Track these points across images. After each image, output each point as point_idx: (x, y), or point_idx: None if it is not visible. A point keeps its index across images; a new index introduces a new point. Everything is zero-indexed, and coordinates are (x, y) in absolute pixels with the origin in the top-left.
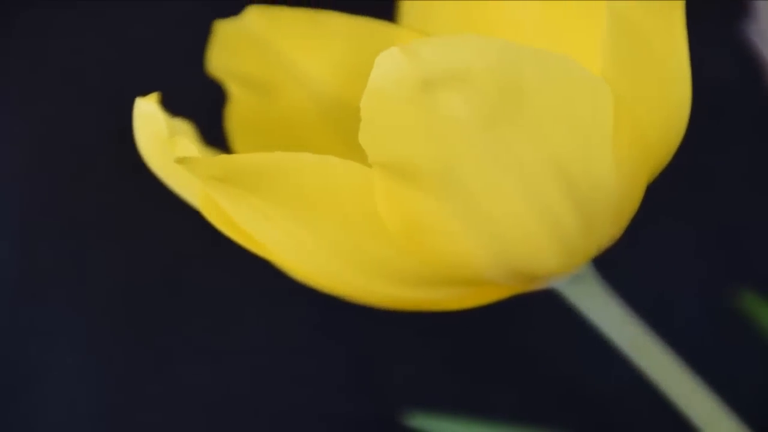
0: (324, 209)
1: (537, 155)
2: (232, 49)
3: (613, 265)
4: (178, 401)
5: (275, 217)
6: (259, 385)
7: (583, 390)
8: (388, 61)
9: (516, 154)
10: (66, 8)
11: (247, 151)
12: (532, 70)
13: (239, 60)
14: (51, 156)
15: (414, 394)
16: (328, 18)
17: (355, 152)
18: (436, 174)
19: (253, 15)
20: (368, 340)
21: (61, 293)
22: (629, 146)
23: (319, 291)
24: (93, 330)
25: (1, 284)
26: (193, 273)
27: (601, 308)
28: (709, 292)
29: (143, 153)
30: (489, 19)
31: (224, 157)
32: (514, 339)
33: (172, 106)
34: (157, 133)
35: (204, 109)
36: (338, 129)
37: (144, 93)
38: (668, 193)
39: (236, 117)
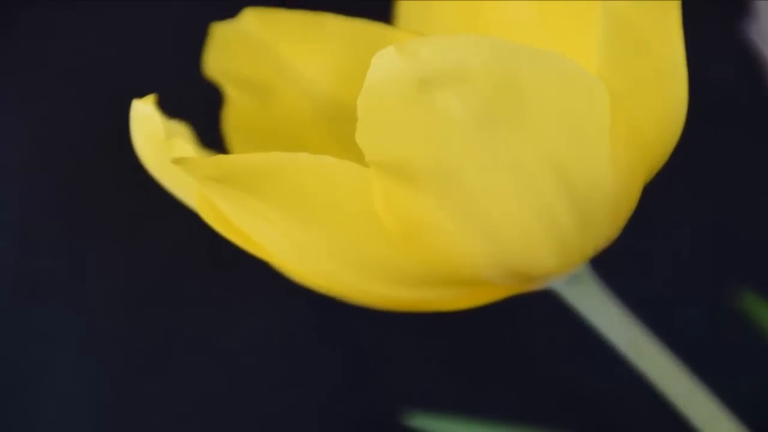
0: (321, 209)
1: (534, 154)
2: (229, 51)
3: (614, 265)
4: (177, 401)
5: (272, 218)
6: (259, 385)
7: (583, 390)
8: (385, 61)
9: (513, 153)
10: (66, 8)
11: (244, 153)
12: (529, 69)
13: (236, 62)
14: (51, 156)
15: (413, 394)
16: (324, 20)
17: (352, 154)
18: (432, 173)
19: (249, 17)
20: (368, 340)
21: (61, 293)
22: (626, 145)
23: (317, 291)
24: (93, 330)
25: (1, 284)
26: (193, 273)
27: (598, 308)
28: (709, 292)
29: (140, 154)
30: (485, 20)
31: (221, 157)
32: (514, 339)
33: (172, 106)
34: (153, 134)
35: (204, 109)
36: (335, 131)
37: (144, 93)
38: (668, 193)
39: (233, 119)
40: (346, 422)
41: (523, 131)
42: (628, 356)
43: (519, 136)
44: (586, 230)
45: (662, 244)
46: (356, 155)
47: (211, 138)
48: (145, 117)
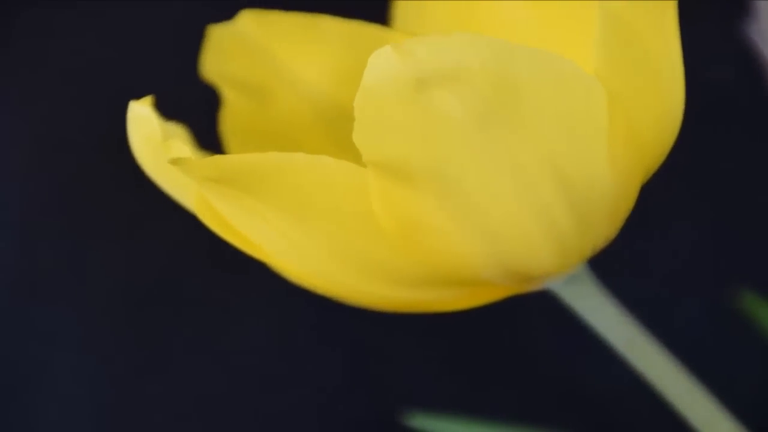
0: (319, 209)
1: (532, 154)
2: (226, 53)
3: (617, 265)
4: (177, 401)
5: (270, 218)
6: (258, 385)
7: (583, 390)
8: (382, 60)
9: (511, 153)
10: (66, 8)
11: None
12: (527, 69)
13: (233, 64)
14: (51, 156)
15: (413, 394)
16: (321, 22)
17: (350, 155)
18: (430, 173)
19: (246, 19)
20: (368, 340)
21: (61, 293)
22: (624, 145)
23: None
24: (93, 330)
25: (1, 284)
26: (193, 273)
27: (596, 309)
28: (709, 292)
29: (137, 156)
30: (482, 20)
31: (218, 157)
32: (514, 339)
33: (172, 106)
34: (151, 135)
35: (204, 109)
36: (332, 132)
37: (143, 93)
38: (668, 193)
39: (230, 121)
40: (346, 422)
41: (521, 131)
42: (626, 356)
43: (517, 136)
44: (584, 230)
45: (662, 244)
46: (354, 157)
47: (212, 138)
48: (142, 118)
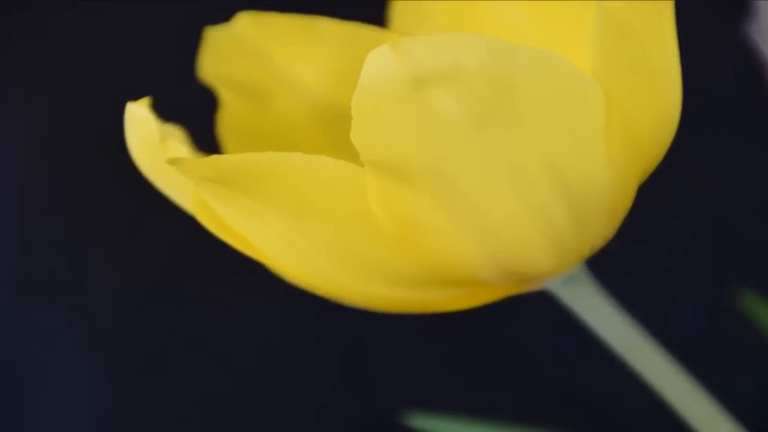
0: (316, 209)
1: (529, 154)
2: (223, 55)
3: (613, 265)
4: (177, 401)
5: (268, 218)
6: (258, 385)
7: (583, 390)
8: (379, 59)
9: (508, 152)
10: (66, 8)
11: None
12: (524, 68)
13: (230, 66)
14: (51, 156)
15: (413, 394)
16: (318, 23)
17: (347, 158)
18: (428, 172)
19: (243, 21)
20: (368, 340)
21: (61, 293)
22: (621, 145)
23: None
24: (93, 330)
25: (1, 284)
26: (193, 273)
27: (594, 309)
28: (708, 292)
29: (135, 157)
30: (480, 20)
31: (216, 157)
32: (514, 339)
33: (172, 106)
34: (148, 136)
35: (204, 109)
36: (330, 134)
37: (143, 94)
38: (668, 193)
39: (228, 123)
40: (346, 422)
41: (518, 130)
42: (624, 357)
43: (514, 135)
44: (581, 230)
45: (662, 243)
46: (351, 159)
47: (210, 138)
48: (139, 119)
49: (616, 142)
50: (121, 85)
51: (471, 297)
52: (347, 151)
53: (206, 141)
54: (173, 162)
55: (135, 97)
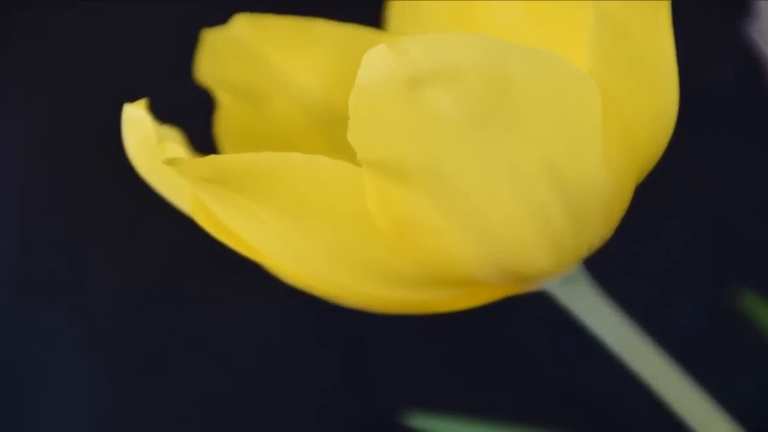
0: (314, 209)
1: (526, 153)
2: (220, 57)
3: (613, 266)
4: (177, 401)
5: (265, 219)
6: (258, 386)
7: (583, 390)
8: (376, 59)
9: (505, 152)
10: (66, 8)
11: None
12: (521, 67)
13: (227, 68)
14: (51, 156)
15: (413, 394)
16: (315, 25)
17: (344, 159)
18: (425, 172)
19: (240, 23)
20: (368, 340)
21: (61, 293)
22: (618, 145)
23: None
24: (93, 330)
25: (1, 284)
26: (193, 273)
27: (592, 309)
28: (708, 292)
29: (132, 158)
30: (477, 20)
31: (213, 157)
32: (514, 339)
33: (171, 106)
34: (145, 137)
35: (204, 110)
36: (327, 135)
37: (143, 94)
38: (668, 193)
39: (225, 125)
40: (346, 422)
41: (515, 130)
42: (622, 357)
43: (511, 134)
44: (579, 230)
45: (661, 244)
46: (348, 161)
47: (210, 138)
48: (136, 120)
49: (614, 141)
50: (121, 85)
51: (469, 297)
52: (344, 153)
53: (205, 142)
54: (170, 162)
55: (135, 98)
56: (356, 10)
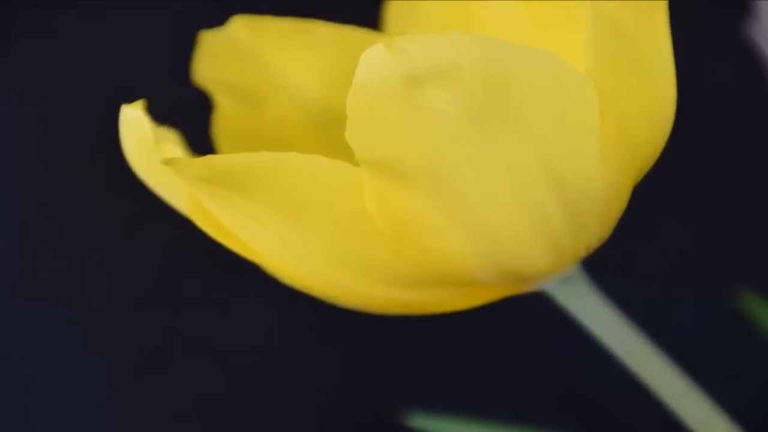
0: (312, 209)
1: (524, 152)
2: (218, 59)
3: (613, 266)
4: (177, 401)
5: (263, 219)
6: (258, 386)
7: (583, 390)
8: (374, 58)
9: (503, 151)
10: (66, 8)
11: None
12: (518, 67)
13: (225, 70)
14: (51, 156)
15: (413, 394)
16: (313, 27)
17: (343, 160)
18: (423, 171)
19: (238, 24)
20: (368, 340)
21: (61, 293)
22: (616, 145)
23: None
24: (93, 330)
25: (1, 284)
26: (193, 273)
27: (590, 310)
28: (709, 292)
29: (130, 159)
30: (475, 20)
31: (211, 157)
32: (514, 339)
33: (171, 106)
34: (143, 138)
35: (204, 110)
36: (324, 137)
37: (143, 94)
38: (668, 193)
39: (223, 126)
40: (346, 422)
41: (513, 129)
42: (620, 357)
43: (508, 134)
44: (577, 230)
45: (661, 244)
46: (347, 161)
47: (208, 139)
48: (134, 121)
49: (611, 141)
50: (121, 85)
51: (468, 298)
52: (342, 154)
53: (203, 143)
54: (168, 162)
55: (134, 98)
56: (354, 11)
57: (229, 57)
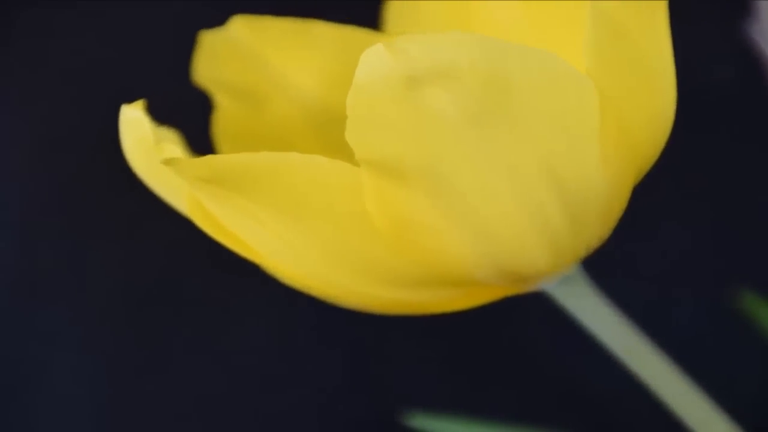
0: (312, 209)
1: (524, 152)
2: (218, 59)
3: (613, 266)
4: (177, 401)
5: (263, 219)
6: (258, 386)
7: (583, 390)
8: (374, 58)
9: (503, 151)
10: (66, 8)
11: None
12: (518, 67)
13: (225, 70)
14: (51, 156)
15: (413, 394)
16: (313, 27)
17: (343, 161)
18: (423, 171)
19: (238, 24)
20: (368, 340)
21: (61, 293)
22: (616, 145)
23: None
24: (93, 330)
25: (1, 284)
26: (193, 273)
27: (590, 310)
28: (708, 292)
29: (129, 159)
30: (474, 21)
31: (211, 157)
32: (514, 339)
33: (171, 106)
34: (143, 138)
35: (204, 110)
36: (324, 137)
37: (143, 94)
38: (668, 193)
39: (223, 126)
40: (346, 422)
41: (513, 129)
42: (620, 357)
43: (509, 134)
44: (577, 230)
45: (660, 244)
46: (347, 161)
47: (208, 139)
48: (134, 121)
49: (611, 141)
50: (121, 85)
51: (468, 298)
52: (342, 154)
53: (203, 143)
54: (168, 162)
55: (134, 98)
56: (354, 11)
57: (229, 57)
